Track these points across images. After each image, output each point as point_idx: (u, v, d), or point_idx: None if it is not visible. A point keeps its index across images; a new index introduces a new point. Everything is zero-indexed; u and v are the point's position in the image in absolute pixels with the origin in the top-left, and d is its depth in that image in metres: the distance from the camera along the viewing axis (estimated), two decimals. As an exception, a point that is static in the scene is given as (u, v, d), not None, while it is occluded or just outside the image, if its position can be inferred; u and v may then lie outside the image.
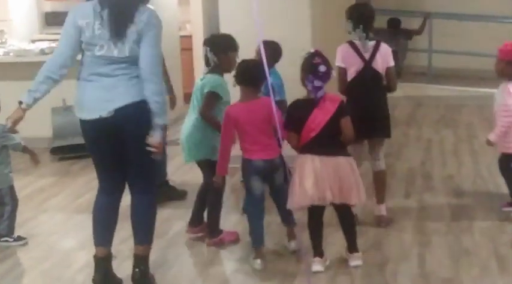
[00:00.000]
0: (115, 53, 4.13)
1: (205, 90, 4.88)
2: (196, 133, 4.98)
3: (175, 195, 6.12)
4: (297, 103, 4.58)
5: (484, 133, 6.27)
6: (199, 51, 10.41)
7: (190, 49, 10.43)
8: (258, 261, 4.68)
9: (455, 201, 5.86)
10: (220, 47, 4.98)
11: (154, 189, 4.47)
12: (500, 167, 5.55)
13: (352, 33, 5.20)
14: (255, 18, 4.27)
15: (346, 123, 4.47)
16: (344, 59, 5.18)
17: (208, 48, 4.97)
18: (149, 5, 4.29)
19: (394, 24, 11.25)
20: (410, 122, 9.05)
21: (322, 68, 4.41)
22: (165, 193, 5.84)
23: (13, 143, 5.25)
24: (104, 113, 4.13)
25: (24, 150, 5.35)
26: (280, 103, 5.27)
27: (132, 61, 4.15)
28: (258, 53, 5.63)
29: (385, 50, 5.24)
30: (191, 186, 6.24)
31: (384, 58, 5.19)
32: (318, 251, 4.61)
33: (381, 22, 11.26)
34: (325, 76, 4.43)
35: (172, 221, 5.57)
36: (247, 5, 6.74)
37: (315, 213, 4.59)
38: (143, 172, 4.35)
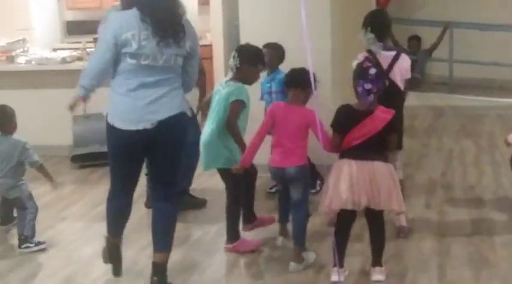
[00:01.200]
0: (160, 62, 4.17)
1: (231, 100, 4.87)
2: (216, 141, 4.96)
3: (195, 203, 6.11)
4: (348, 110, 4.50)
5: (506, 143, 6.23)
6: (219, 60, 10.54)
7: (210, 58, 10.45)
8: (280, 238, 5.08)
9: (476, 212, 5.81)
10: (250, 57, 4.97)
11: (176, 197, 4.50)
12: None
13: (368, 42, 5.12)
14: (304, 28, 4.28)
15: (392, 139, 4.45)
16: None
17: (236, 55, 4.94)
18: None
19: (414, 45, 11.05)
20: (431, 132, 9.00)
21: (372, 71, 4.35)
22: (184, 202, 5.82)
23: (31, 161, 5.34)
24: (148, 125, 4.18)
25: (40, 169, 5.42)
26: None
27: (174, 71, 4.25)
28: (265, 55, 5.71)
29: (404, 61, 5.17)
30: (211, 194, 6.24)
31: (403, 70, 5.14)
32: (340, 261, 4.55)
33: (400, 34, 11.26)
34: (376, 80, 4.36)
35: (192, 230, 5.57)
36: (267, 14, 6.79)
37: (345, 222, 4.52)
38: (170, 181, 4.42)
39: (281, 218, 5.11)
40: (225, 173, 5.06)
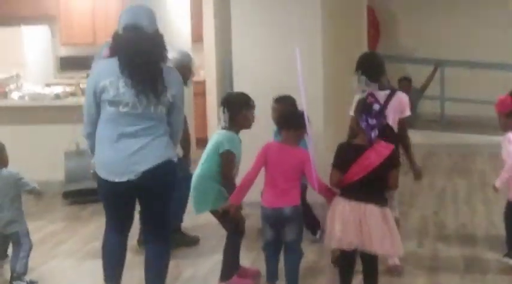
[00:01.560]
0: (140, 110, 4.16)
1: (222, 150, 4.86)
2: (204, 184, 4.95)
3: (187, 241, 6.07)
4: (348, 145, 4.52)
5: (498, 182, 6.22)
6: (212, 96, 10.59)
7: (203, 94, 10.50)
8: None
9: (469, 251, 5.80)
10: (236, 105, 4.97)
11: (169, 239, 4.49)
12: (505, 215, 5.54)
13: (359, 83, 5.21)
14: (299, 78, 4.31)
15: (393, 175, 4.42)
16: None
17: (226, 108, 4.96)
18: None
19: (404, 86, 11.16)
20: (423, 170, 8.92)
21: (376, 107, 4.36)
22: (176, 240, 5.78)
23: (29, 188, 5.33)
24: (132, 176, 4.19)
25: (40, 196, 5.43)
26: None
27: (157, 118, 4.22)
28: (274, 110, 5.67)
29: (400, 99, 5.22)
30: (204, 231, 6.21)
31: (398, 108, 5.17)
32: None
33: (392, 73, 11.33)
34: (379, 116, 4.37)
35: (183, 267, 5.53)
36: (260, 52, 6.84)
37: (346, 258, 4.54)
38: (161, 225, 4.41)
39: (270, 277, 4.82)
40: (216, 214, 5.04)
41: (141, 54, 4.14)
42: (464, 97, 10.90)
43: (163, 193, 4.35)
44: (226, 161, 4.87)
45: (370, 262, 4.51)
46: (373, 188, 4.36)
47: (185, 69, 6.00)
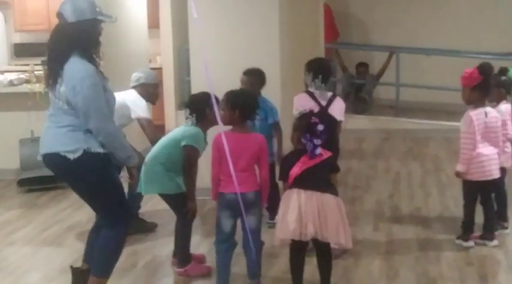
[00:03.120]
0: (52, 99, 4.24)
1: (184, 143, 4.87)
2: (156, 167, 4.97)
3: (145, 227, 6.07)
4: (288, 155, 4.60)
5: (451, 165, 6.33)
6: (169, 83, 10.54)
7: (160, 81, 10.43)
8: None
9: (423, 233, 5.90)
10: (201, 107, 4.94)
11: (118, 226, 4.31)
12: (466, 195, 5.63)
13: (311, 84, 5.37)
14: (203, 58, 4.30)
15: (332, 179, 4.51)
16: (301, 106, 5.25)
17: (191, 111, 4.97)
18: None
19: (362, 72, 11.32)
20: (378, 155, 9.13)
21: (320, 127, 4.39)
22: (134, 226, 5.77)
23: None
24: (39, 156, 4.29)
25: None
26: (277, 125, 5.85)
27: (62, 110, 4.17)
28: (243, 82, 5.72)
29: (340, 103, 5.43)
30: (162, 217, 6.21)
31: (339, 111, 5.37)
32: None
33: (350, 60, 11.46)
34: (324, 134, 4.41)
35: (141, 254, 5.53)
36: (217, 38, 6.83)
37: (297, 247, 4.51)
38: (98, 210, 4.41)
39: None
40: (166, 198, 5.08)
41: (50, 45, 4.24)
42: (419, 84, 11.05)
43: (73, 181, 4.33)
44: (190, 156, 4.87)
45: (324, 247, 4.51)
46: (322, 177, 4.42)
47: (150, 87, 6.05)
